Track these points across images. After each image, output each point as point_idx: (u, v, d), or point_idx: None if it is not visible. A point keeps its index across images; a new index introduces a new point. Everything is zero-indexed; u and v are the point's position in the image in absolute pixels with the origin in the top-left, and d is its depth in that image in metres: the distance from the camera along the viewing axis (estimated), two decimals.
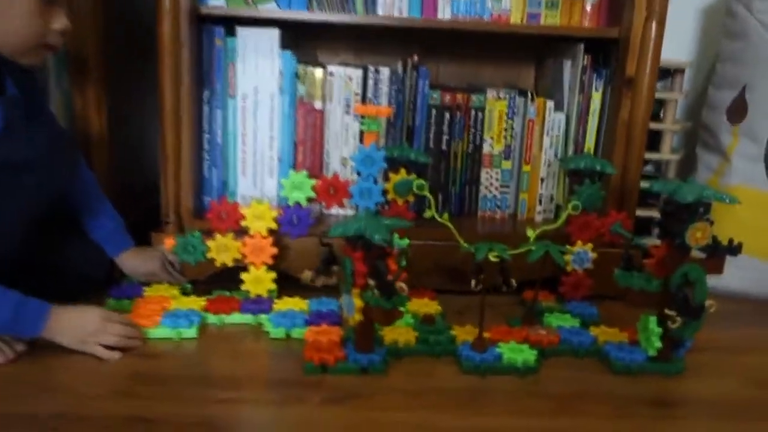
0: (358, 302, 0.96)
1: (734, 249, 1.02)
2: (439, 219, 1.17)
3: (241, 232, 1.18)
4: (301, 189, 1.15)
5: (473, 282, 1.07)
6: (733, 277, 1.27)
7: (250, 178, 1.34)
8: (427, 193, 1.15)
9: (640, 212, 1.39)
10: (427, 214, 1.17)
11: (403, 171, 1.18)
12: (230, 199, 1.34)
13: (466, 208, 1.41)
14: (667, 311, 1.00)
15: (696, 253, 1.03)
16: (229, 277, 1.20)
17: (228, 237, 1.17)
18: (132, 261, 1.19)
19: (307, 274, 0.96)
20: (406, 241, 1.18)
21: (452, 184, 1.39)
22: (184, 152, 1.23)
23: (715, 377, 1.05)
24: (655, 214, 1.49)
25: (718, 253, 1.02)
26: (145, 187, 1.45)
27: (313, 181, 1.15)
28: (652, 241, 1.52)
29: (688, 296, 0.99)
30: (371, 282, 0.95)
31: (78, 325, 0.97)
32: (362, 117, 1.17)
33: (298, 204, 1.16)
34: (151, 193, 1.34)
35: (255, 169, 1.34)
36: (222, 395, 0.91)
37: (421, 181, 1.14)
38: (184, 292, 1.21)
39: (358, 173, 1.14)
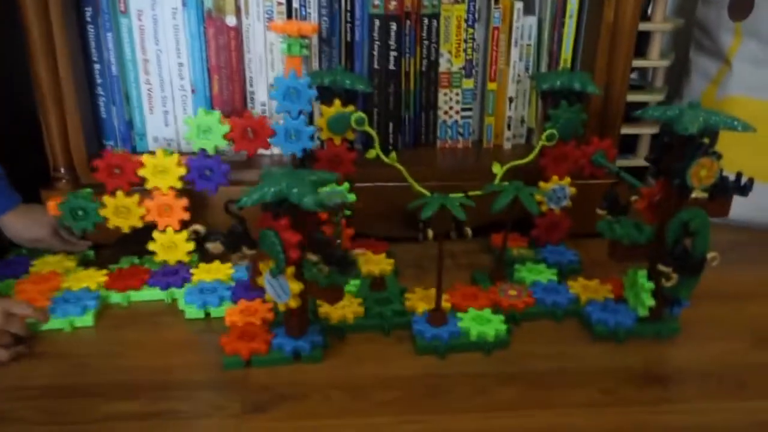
0: (294, 286, 0.76)
1: (745, 187, 0.83)
2: (385, 159, 0.96)
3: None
4: (210, 132, 0.92)
5: (420, 235, 0.87)
6: (733, 203, 1.09)
7: (160, 116, 1.10)
8: (368, 128, 0.94)
9: (624, 129, 1.18)
10: (370, 154, 0.97)
11: (337, 102, 0.95)
12: (138, 141, 1.11)
13: (423, 137, 1.19)
14: (660, 267, 0.82)
15: (697, 193, 0.84)
16: (144, 238, 0.98)
17: (134, 198, 0.94)
18: (15, 224, 0.97)
19: (215, 246, 0.76)
20: (345, 189, 0.97)
21: (405, 110, 1.16)
22: (65, 89, 0.98)
23: (717, 338, 0.88)
24: (641, 130, 1.29)
25: (726, 193, 0.83)
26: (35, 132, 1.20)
27: (227, 127, 0.92)
28: (637, 161, 1.33)
29: (686, 249, 0.81)
30: (313, 258, 0.75)
31: None
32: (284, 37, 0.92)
33: (204, 151, 0.94)
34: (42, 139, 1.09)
35: (164, 105, 1.10)
36: (108, 408, 0.73)
37: (360, 115, 0.93)
38: (84, 262, 1.01)
39: (286, 111, 0.91)
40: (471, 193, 0.98)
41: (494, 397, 0.77)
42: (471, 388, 0.78)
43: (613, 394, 0.78)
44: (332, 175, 0.78)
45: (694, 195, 0.82)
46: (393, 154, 0.96)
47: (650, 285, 0.84)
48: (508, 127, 1.19)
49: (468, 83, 1.16)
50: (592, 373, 0.81)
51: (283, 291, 0.77)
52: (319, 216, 0.79)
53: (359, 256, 1.01)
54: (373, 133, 0.95)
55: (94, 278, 0.93)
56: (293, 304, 0.78)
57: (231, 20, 1.04)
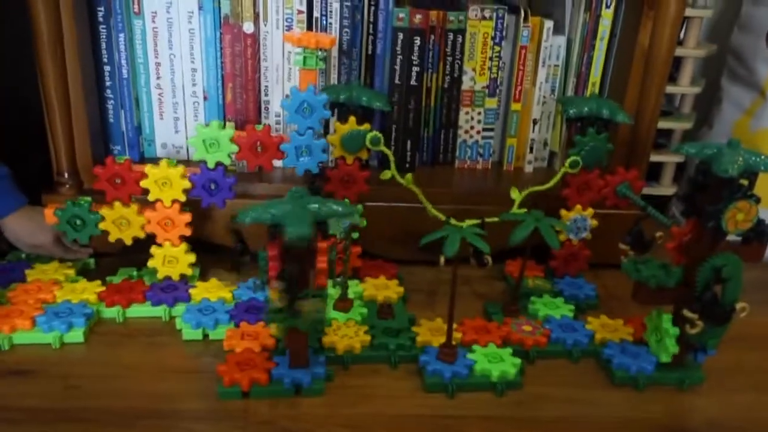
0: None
1: None
2: (401, 181, 0.91)
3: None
4: (217, 146, 0.88)
5: (441, 259, 0.82)
6: None
7: (170, 122, 1.07)
8: (384, 149, 0.89)
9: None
10: (385, 175, 0.92)
11: (352, 119, 0.91)
12: (145, 147, 1.07)
13: (441, 156, 1.15)
14: (687, 313, 0.77)
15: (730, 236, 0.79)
16: (147, 248, 0.93)
17: (132, 208, 0.90)
18: (17, 227, 0.93)
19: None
20: (358, 210, 0.93)
21: (424, 128, 1.12)
22: (73, 91, 0.95)
23: (744, 389, 0.83)
24: (667, 158, 1.24)
25: (762, 238, 0.77)
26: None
27: (231, 130, 0.88)
28: (663, 190, 1.28)
29: (716, 296, 0.76)
30: (277, 285, 0.71)
31: None
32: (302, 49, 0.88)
33: (220, 166, 0.90)
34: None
35: (175, 111, 1.06)
36: None
37: (376, 134, 0.88)
38: (84, 271, 0.97)
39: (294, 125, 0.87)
40: (488, 220, 0.93)
41: None
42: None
43: None
44: (342, 207, 0.73)
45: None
46: (409, 176, 0.91)
47: (675, 331, 0.79)
48: (531, 149, 1.15)
49: (491, 102, 1.12)
50: (610, 423, 0.76)
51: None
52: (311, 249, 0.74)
53: (374, 280, 0.96)
54: (390, 153, 0.91)
55: (89, 290, 0.89)
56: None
57: (248, 27, 1.00)
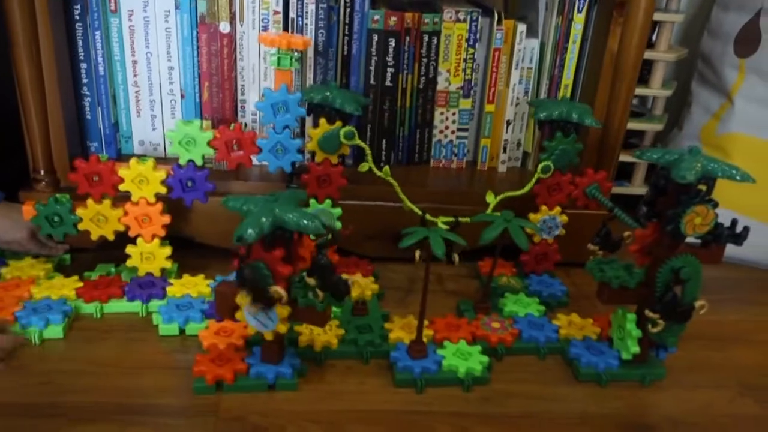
0: (282, 311, 0.74)
1: (739, 236, 0.81)
2: (378, 173, 0.93)
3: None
4: (193, 144, 0.89)
5: (417, 255, 0.84)
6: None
7: (147, 120, 1.07)
8: (359, 142, 0.91)
9: (621, 157, 1.15)
10: (363, 167, 0.94)
11: (323, 122, 0.92)
12: (123, 144, 1.08)
13: (417, 155, 1.16)
14: (648, 313, 0.80)
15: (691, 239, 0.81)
16: (124, 243, 0.94)
17: (105, 203, 0.91)
18: None
19: (242, 298, 0.73)
20: (336, 212, 0.95)
21: (399, 127, 1.13)
22: (48, 87, 0.95)
23: (703, 385, 0.86)
24: (636, 160, 1.27)
25: (720, 242, 0.80)
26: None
27: (210, 133, 0.89)
28: (634, 190, 1.31)
29: (676, 297, 0.79)
30: (311, 282, 0.73)
31: None
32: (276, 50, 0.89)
33: (191, 162, 0.91)
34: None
35: (152, 108, 1.07)
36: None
37: (349, 128, 0.90)
38: (60, 267, 0.98)
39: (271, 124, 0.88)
40: (461, 219, 0.95)
41: None
42: (451, 428, 0.75)
43: None
44: (303, 193, 0.75)
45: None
46: (386, 168, 0.93)
47: (638, 332, 0.82)
48: (504, 150, 1.17)
49: (465, 103, 1.14)
50: (573, 419, 0.79)
51: (270, 320, 0.74)
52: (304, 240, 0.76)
53: (349, 278, 0.98)
54: (365, 146, 0.92)
55: (67, 286, 0.90)
56: (282, 329, 0.75)
57: (225, 27, 1.01)
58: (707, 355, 0.92)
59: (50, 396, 0.75)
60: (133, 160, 0.89)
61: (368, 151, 0.93)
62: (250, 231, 0.67)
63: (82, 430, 0.71)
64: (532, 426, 0.77)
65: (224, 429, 0.72)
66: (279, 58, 0.87)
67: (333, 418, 0.75)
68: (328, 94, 0.91)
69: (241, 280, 0.72)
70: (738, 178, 0.75)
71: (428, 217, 0.93)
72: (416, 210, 0.96)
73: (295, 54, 0.89)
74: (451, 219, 0.97)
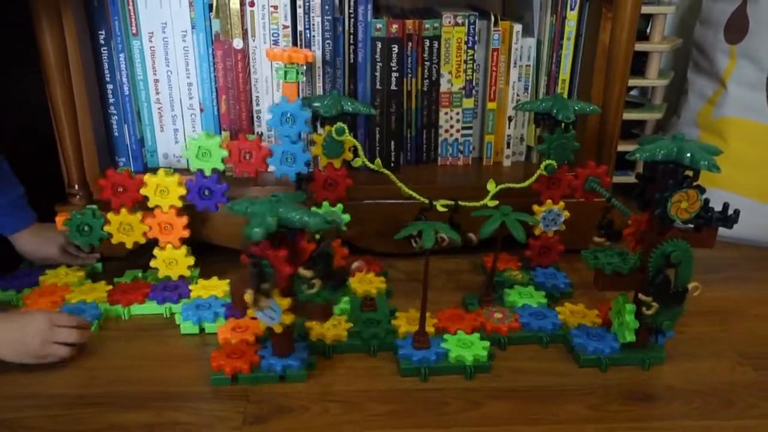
0: (283, 302, 0.75)
1: (729, 219, 0.79)
2: (371, 166, 0.94)
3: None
4: (209, 155, 0.91)
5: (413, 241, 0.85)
6: None
7: (170, 134, 1.10)
8: (349, 138, 0.91)
9: (622, 146, 1.12)
10: (356, 162, 0.94)
11: (327, 128, 0.93)
12: (149, 158, 1.11)
13: (425, 155, 1.17)
14: (641, 296, 0.79)
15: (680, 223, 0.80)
16: (150, 252, 0.97)
17: (133, 214, 0.94)
18: (26, 243, 0.98)
19: (248, 296, 0.75)
20: (339, 209, 0.96)
21: (406, 129, 1.14)
22: (79, 108, 0.99)
23: (703, 357, 0.86)
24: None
25: (710, 225, 0.79)
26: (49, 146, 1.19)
27: (225, 152, 0.92)
28: (635, 179, 1.28)
29: (668, 280, 0.78)
30: (306, 273, 0.74)
31: (19, 341, 0.78)
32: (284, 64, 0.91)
33: (201, 172, 0.93)
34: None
35: (174, 123, 1.10)
36: (116, 418, 0.73)
37: (339, 125, 0.90)
38: (92, 275, 1.01)
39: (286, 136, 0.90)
40: (461, 203, 0.94)
41: (487, 410, 0.76)
42: (464, 402, 0.77)
43: (600, 410, 0.76)
44: (302, 194, 0.77)
45: (679, 225, 0.79)
46: (378, 161, 0.94)
47: (635, 323, 0.81)
48: (508, 145, 1.16)
49: (468, 103, 1.14)
50: (583, 389, 0.79)
51: (274, 312, 0.76)
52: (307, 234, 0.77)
53: (360, 274, 0.99)
54: (356, 142, 0.93)
55: (97, 291, 0.94)
56: (287, 320, 0.77)
57: (238, 43, 1.03)
58: (707, 330, 0.91)
59: (96, 387, 0.78)
60: (162, 170, 0.92)
61: (359, 147, 0.93)
62: (257, 230, 0.69)
63: (126, 416, 0.74)
64: (543, 398, 0.77)
65: (255, 409, 0.75)
66: (285, 72, 0.89)
67: (351, 398, 0.77)
68: (342, 104, 0.92)
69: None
70: (705, 166, 0.73)
71: (425, 199, 0.93)
72: (416, 196, 0.95)
73: (301, 67, 0.90)
74: (450, 202, 0.96)
